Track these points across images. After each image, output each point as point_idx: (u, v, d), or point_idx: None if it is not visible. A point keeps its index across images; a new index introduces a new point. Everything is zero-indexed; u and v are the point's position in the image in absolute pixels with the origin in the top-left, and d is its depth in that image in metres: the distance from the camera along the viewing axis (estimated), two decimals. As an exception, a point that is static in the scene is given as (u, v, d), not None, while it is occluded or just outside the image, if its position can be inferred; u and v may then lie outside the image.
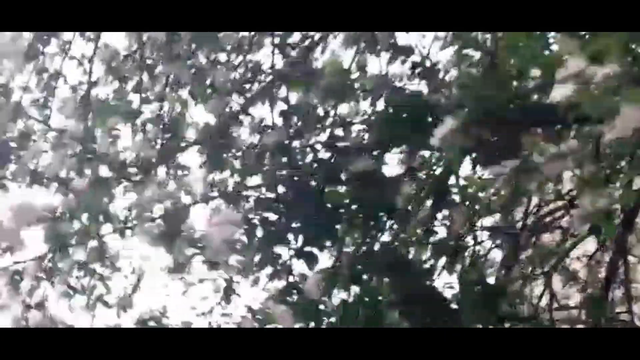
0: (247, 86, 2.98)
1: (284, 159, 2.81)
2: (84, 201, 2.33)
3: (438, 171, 2.67)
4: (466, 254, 2.66)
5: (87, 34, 2.96)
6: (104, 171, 2.68)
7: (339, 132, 2.83)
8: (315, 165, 2.81)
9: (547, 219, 3.04)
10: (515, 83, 2.36)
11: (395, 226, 2.67)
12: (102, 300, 2.75)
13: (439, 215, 2.56)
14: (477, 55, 2.72)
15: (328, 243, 2.70)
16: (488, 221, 2.96)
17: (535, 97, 2.36)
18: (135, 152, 2.66)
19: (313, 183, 2.77)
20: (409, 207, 2.56)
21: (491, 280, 2.81)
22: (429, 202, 2.50)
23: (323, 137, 2.85)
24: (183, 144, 2.82)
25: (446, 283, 2.71)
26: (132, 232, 2.52)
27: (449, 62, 2.92)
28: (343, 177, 2.70)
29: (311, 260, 2.71)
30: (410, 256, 2.66)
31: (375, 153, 2.68)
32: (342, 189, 2.73)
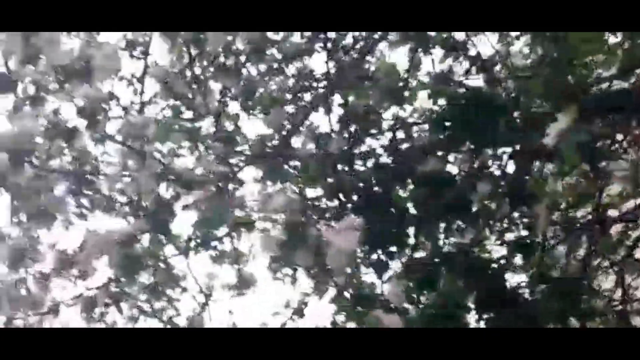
0: (301, 94, 2.92)
1: (346, 167, 2.76)
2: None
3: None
4: (541, 250, 2.60)
5: (135, 52, 2.92)
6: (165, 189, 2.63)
7: (400, 134, 2.76)
8: (378, 169, 2.75)
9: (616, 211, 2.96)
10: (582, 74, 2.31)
11: (464, 226, 2.61)
12: (172, 322, 2.71)
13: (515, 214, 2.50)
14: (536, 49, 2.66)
15: (394, 248, 2.65)
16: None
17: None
18: (197, 168, 2.61)
19: (377, 189, 2.71)
20: (482, 207, 2.50)
21: (566, 275, 2.74)
22: (504, 201, 2.43)
23: (383, 140, 2.79)
24: (242, 157, 2.76)
25: (522, 281, 2.67)
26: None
27: (505, 56, 2.86)
28: (408, 180, 2.64)
29: (380, 267, 2.66)
30: (485, 256, 2.60)
31: (439, 153, 2.63)
32: (407, 192, 2.68)
